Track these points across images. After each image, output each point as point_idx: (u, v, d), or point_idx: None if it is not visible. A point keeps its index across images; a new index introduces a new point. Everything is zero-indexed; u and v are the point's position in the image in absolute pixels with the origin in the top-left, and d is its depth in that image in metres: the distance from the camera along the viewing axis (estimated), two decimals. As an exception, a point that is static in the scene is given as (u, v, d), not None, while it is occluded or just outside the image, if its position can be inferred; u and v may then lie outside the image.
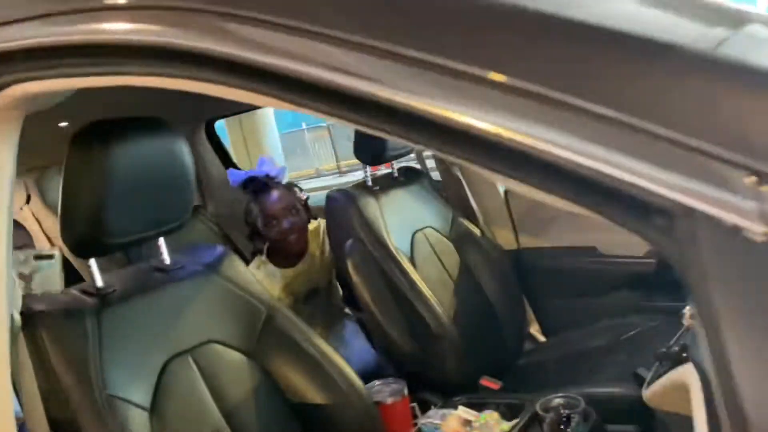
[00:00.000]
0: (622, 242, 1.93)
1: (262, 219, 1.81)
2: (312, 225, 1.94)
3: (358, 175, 3.73)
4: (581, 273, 2.01)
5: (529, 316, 2.08)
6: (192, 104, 2.24)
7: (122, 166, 1.06)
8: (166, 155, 1.15)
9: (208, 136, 2.67)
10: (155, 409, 1.09)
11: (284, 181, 1.91)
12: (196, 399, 1.17)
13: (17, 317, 0.90)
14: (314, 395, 1.27)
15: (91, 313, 1.09)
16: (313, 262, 1.92)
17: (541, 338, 2.09)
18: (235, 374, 1.24)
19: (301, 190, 1.95)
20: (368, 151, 1.77)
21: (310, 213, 1.92)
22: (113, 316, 1.12)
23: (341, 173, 11.14)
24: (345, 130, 14.41)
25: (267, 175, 1.85)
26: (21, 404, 0.94)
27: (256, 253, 1.92)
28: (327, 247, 1.94)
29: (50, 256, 1.01)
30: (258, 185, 1.84)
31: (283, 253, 1.86)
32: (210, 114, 2.58)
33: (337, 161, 12.37)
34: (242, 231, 2.62)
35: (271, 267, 1.87)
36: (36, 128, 1.35)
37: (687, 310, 1.17)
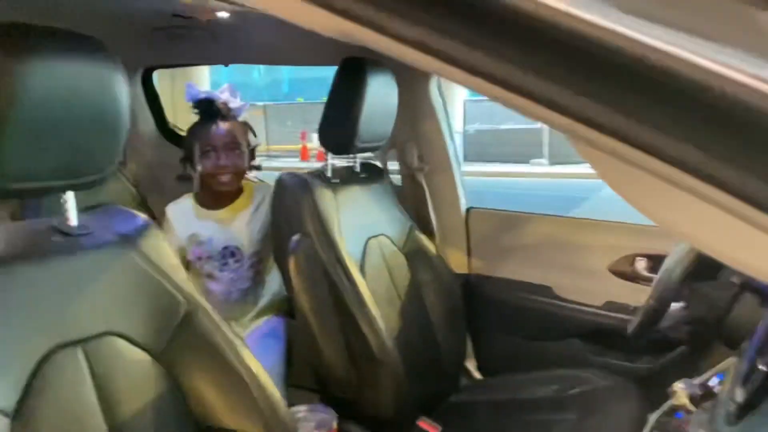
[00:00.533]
0: (580, 288, 1.80)
1: (202, 145, 1.65)
2: (253, 183, 1.78)
3: (284, 162, 3.51)
4: (531, 312, 1.86)
5: (468, 349, 1.91)
6: (132, 46, 1.93)
7: (34, 86, 0.79)
8: (98, 85, 0.88)
9: (144, 86, 2.34)
10: (21, 414, 0.82)
11: (241, 118, 1.74)
12: (79, 405, 0.90)
13: None
14: (228, 418, 1.03)
15: None
16: (235, 217, 1.71)
17: (477, 375, 1.92)
18: (134, 379, 0.98)
19: (255, 135, 1.79)
20: (334, 137, 1.54)
21: (252, 162, 1.76)
22: None
23: (270, 156, 10.84)
24: (280, 115, 14.07)
25: (225, 104, 1.67)
26: None
27: (183, 179, 1.78)
28: (259, 225, 1.71)
29: None
30: (211, 109, 1.67)
31: (210, 192, 1.70)
32: (151, 61, 2.26)
33: (267, 143, 12.00)
34: (162, 197, 2.33)
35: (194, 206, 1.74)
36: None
37: (679, 387, 1.03)
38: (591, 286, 1.77)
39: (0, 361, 0.82)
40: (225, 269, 1.70)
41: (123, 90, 0.91)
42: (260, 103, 13.17)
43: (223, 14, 1.57)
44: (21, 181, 0.84)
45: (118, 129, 0.93)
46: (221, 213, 1.71)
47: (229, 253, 1.70)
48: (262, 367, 1.06)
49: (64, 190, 0.94)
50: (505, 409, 1.60)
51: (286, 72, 15.97)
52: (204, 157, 1.65)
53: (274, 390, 1.06)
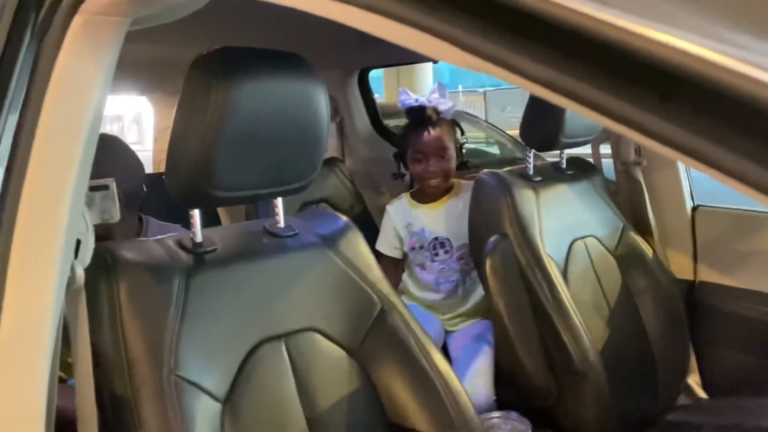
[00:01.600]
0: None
1: (412, 152, 1.77)
2: (461, 181, 1.83)
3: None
4: (771, 328, 1.60)
5: (691, 364, 1.71)
6: (350, 48, 2.04)
7: (246, 104, 0.86)
8: (302, 101, 0.94)
9: (361, 86, 2.47)
10: (230, 400, 0.92)
11: (449, 116, 1.81)
12: (281, 396, 0.98)
13: (80, 272, 0.74)
14: (418, 419, 1.04)
15: (181, 272, 0.92)
16: (444, 211, 1.79)
17: (701, 393, 1.71)
18: (331, 374, 1.04)
19: (462, 133, 1.86)
20: (537, 133, 1.47)
21: (462, 158, 1.86)
22: (206, 280, 0.94)
23: (487, 143, 10.78)
24: (499, 100, 13.90)
25: (434, 109, 1.75)
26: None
27: (398, 177, 1.97)
28: (465, 220, 1.70)
29: (105, 187, 0.90)
30: (422, 117, 1.75)
31: (422, 189, 1.84)
32: (367, 62, 2.38)
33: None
34: (376, 191, 2.45)
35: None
36: (193, 51, 1.21)
37: None
38: None
39: (215, 351, 0.93)
40: (436, 260, 1.76)
41: (324, 104, 0.96)
42: (480, 89, 13.15)
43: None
44: (233, 191, 0.93)
45: (320, 140, 0.98)
46: (432, 206, 1.80)
47: (439, 243, 1.76)
48: (450, 369, 1.06)
49: (272, 197, 1.02)
50: (731, 437, 1.41)
51: (507, 56, 15.77)
52: (415, 162, 1.76)
53: (463, 393, 1.05)
